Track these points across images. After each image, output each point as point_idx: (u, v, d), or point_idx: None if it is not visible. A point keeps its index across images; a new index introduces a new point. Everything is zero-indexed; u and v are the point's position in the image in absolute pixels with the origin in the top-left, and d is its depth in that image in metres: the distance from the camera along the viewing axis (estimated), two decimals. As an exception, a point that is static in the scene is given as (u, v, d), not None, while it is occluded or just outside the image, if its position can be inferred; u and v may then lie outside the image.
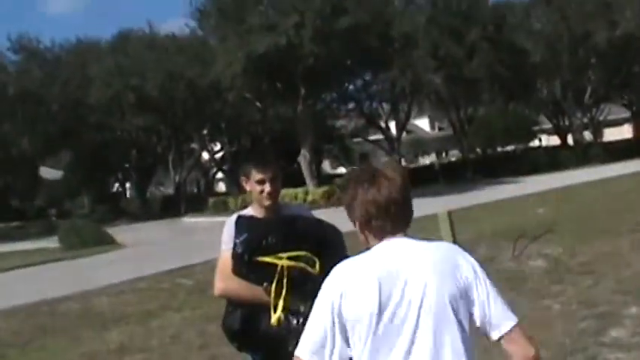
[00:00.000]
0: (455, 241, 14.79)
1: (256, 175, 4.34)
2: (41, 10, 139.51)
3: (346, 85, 52.16)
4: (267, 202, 4.37)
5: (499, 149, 58.40)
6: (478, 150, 59.79)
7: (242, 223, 4.38)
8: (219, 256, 4.39)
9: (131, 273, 18.42)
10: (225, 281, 4.31)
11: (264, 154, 4.83)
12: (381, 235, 2.74)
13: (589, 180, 33.07)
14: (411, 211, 2.78)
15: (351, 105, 57.46)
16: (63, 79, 53.97)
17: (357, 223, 2.78)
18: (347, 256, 3.64)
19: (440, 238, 15.28)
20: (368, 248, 2.77)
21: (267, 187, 4.33)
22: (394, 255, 2.67)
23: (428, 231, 15.37)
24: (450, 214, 16.13)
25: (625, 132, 66.96)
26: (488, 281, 2.69)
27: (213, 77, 42.71)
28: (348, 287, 2.62)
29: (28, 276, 22.49)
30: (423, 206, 22.34)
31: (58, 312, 14.51)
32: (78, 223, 35.07)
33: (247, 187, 4.45)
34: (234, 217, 4.47)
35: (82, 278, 19.31)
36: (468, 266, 2.70)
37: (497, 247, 14.43)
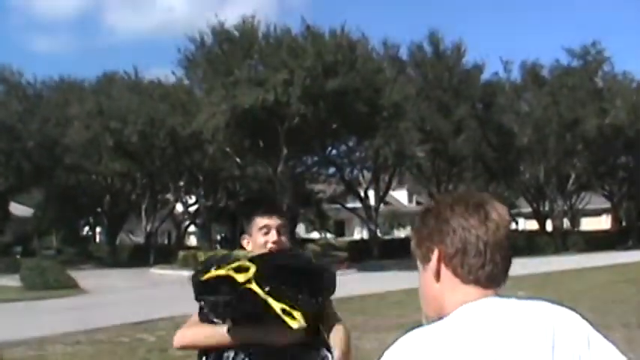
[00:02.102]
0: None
1: (260, 222, 3.59)
2: (26, 47, 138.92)
3: (329, 149, 51.61)
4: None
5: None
6: (455, 228, 59.20)
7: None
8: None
9: (91, 322, 17.41)
10: (183, 329, 3.50)
11: (274, 203, 3.98)
12: (467, 280, 1.84)
13: (570, 268, 32.55)
14: (509, 266, 1.92)
15: (331, 170, 57.03)
16: (42, 116, 53.10)
17: (436, 255, 1.87)
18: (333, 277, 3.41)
19: (420, 314, 14.66)
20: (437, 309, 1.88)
21: (272, 236, 3.55)
22: (493, 331, 1.76)
23: (407, 305, 14.49)
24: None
25: (602, 222, 67.03)
26: None
27: (195, 128, 41.98)
28: None
29: (-19, 314, 21.45)
30: (399, 280, 21.45)
31: (6, 358, 13.52)
32: (42, 263, 34.04)
33: (248, 245, 3.67)
34: None
35: (39, 322, 18.53)
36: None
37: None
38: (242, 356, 3.33)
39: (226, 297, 3.23)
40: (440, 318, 1.83)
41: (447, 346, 1.72)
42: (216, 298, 3.29)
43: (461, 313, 1.80)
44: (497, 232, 1.85)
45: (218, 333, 3.35)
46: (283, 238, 3.59)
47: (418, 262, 1.95)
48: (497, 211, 1.88)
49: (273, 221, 3.59)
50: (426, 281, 1.90)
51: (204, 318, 3.44)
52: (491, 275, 1.85)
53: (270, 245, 3.54)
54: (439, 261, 1.86)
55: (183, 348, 3.57)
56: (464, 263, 1.84)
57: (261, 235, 3.58)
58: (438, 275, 1.87)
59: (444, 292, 1.87)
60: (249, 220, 3.70)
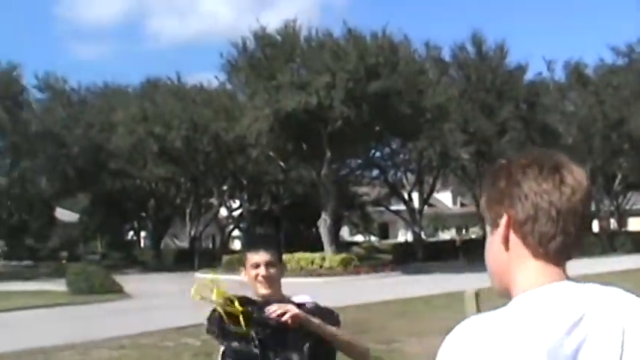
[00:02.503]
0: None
1: (251, 259, 3.94)
2: (72, 55, 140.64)
3: (372, 151, 51.42)
4: (262, 290, 3.90)
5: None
6: (500, 230, 58.82)
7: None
8: None
9: (136, 327, 17.46)
10: None
11: (263, 237, 4.35)
12: (537, 252, 1.70)
13: (620, 269, 31.89)
14: (582, 236, 1.76)
15: (375, 172, 56.91)
16: (86, 121, 53.64)
17: (505, 221, 1.72)
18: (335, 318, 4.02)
19: (465, 318, 14.50)
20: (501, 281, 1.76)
21: (261, 271, 3.89)
22: (559, 324, 1.61)
23: (451, 309, 14.27)
24: (477, 294, 15.18)
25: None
26: None
27: (238, 132, 42.07)
28: None
29: (29, 319, 21.75)
30: (444, 283, 21.39)
31: (52, 362, 13.60)
32: (88, 268, 34.30)
33: (245, 278, 4.03)
34: None
35: (84, 327, 18.61)
36: None
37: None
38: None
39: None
40: (505, 291, 1.73)
41: (508, 337, 1.58)
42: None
43: (527, 301, 1.66)
44: (572, 198, 1.70)
45: None
46: (272, 271, 3.90)
47: (487, 226, 1.81)
48: (574, 174, 1.72)
49: (261, 257, 3.88)
50: (494, 248, 1.76)
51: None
52: (563, 247, 1.70)
53: (260, 278, 3.87)
54: (508, 227, 1.72)
55: None
56: (534, 231, 1.69)
57: (252, 270, 3.90)
58: (506, 242, 1.72)
59: (512, 266, 1.72)
60: (243, 253, 4.11)
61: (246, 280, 3.99)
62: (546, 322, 1.59)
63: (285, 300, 3.92)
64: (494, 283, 1.79)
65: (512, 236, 1.72)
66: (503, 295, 1.75)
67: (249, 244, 4.15)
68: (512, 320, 1.61)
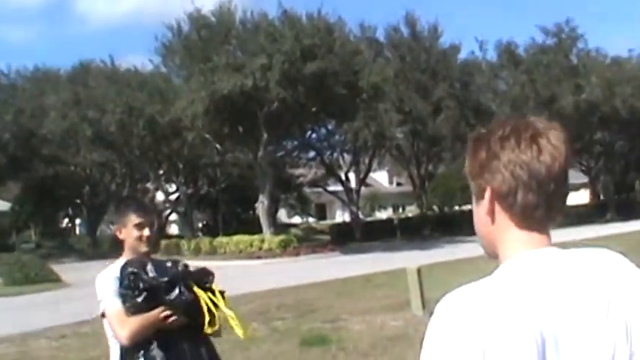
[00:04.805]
0: (423, 300, 14.09)
1: (135, 219, 4.26)
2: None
3: (309, 133, 51.41)
4: (144, 248, 4.27)
5: (457, 208, 58.05)
6: (435, 207, 59.45)
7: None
8: (105, 311, 4.25)
9: (75, 315, 17.14)
10: (124, 326, 4.07)
11: (143, 202, 4.60)
12: (522, 222, 1.72)
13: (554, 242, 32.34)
14: (566, 202, 1.79)
15: (311, 154, 56.91)
16: (17, 107, 52.39)
17: (489, 194, 1.74)
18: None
19: (407, 295, 14.54)
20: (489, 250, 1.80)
21: (146, 232, 4.26)
22: (554, 284, 1.64)
23: (392, 287, 14.35)
24: (419, 270, 15.28)
25: (580, 197, 67.50)
26: None
27: (173, 115, 41.62)
28: (492, 344, 1.55)
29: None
30: (383, 261, 21.42)
31: (-11, 355, 13.32)
32: (22, 257, 33.68)
33: (122, 235, 4.35)
34: (113, 271, 4.29)
35: (21, 317, 18.30)
36: None
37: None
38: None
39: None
40: (495, 255, 1.77)
41: (497, 304, 1.58)
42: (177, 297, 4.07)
43: (513, 266, 1.68)
44: (552, 167, 1.71)
45: (157, 319, 4.04)
46: (153, 232, 4.33)
47: (473, 196, 1.83)
48: (552, 142, 1.73)
49: (147, 218, 4.28)
50: (480, 219, 1.80)
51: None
52: (546, 215, 1.73)
53: (144, 238, 4.25)
54: (492, 201, 1.74)
55: (133, 340, 4.06)
56: (516, 203, 1.71)
57: (136, 231, 4.25)
58: (492, 214, 1.75)
59: (498, 236, 1.76)
60: (124, 213, 4.35)
61: (121, 237, 4.34)
62: (535, 288, 1.61)
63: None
64: (484, 247, 1.82)
65: (497, 207, 1.74)
66: (494, 257, 1.78)
67: (136, 207, 4.41)
68: (500, 288, 1.62)
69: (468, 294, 1.63)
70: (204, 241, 44.24)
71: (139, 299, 4.04)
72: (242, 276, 29.75)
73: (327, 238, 51.92)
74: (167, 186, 59.39)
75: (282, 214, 69.83)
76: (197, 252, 42.38)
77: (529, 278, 1.64)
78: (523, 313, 1.57)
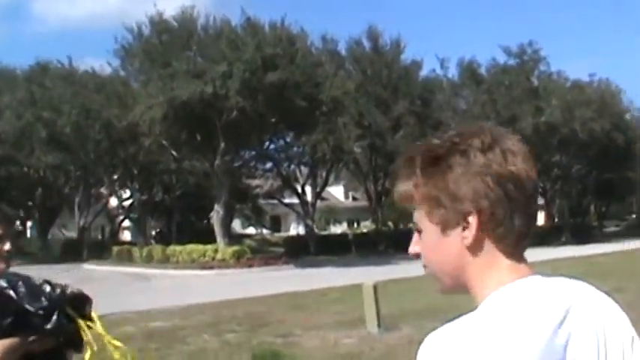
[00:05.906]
0: (379, 317, 13.83)
1: None
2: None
3: (267, 144, 51.11)
4: (1, 265, 3.45)
5: (412, 224, 58.26)
6: (390, 223, 59.49)
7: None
8: None
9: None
10: None
11: (5, 209, 3.76)
12: (513, 249, 1.46)
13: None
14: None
15: (268, 165, 56.64)
16: (-30, 105, 51.47)
17: (476, 221, 1.43)
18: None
19: (362, 312, 14.28)
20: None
21: (7, 246, 3.47)
22: (550, 313, 1.41)
23: (347, 302, 14.03)
24: (375, 286, 14.99)
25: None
26: None
27: (131, 120, 41.13)
28: None
29: None
30: (337, 276, 21.09)
31: None
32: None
33: None
34: None
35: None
36: None
37: (421, 326, 13.16)
38: None
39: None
40: (461, 288, 1.50)
41: (495, 339, 1.34)
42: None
43: (504, 299, 1.41)
44: (537, 183, 1.50)
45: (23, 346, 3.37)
46: (10, 245, 3.49)
47: (428, 227, 1.52)
48: (515, 153, 1.46)
49: (6, 230, 3.50)
50: (449, 253, 1.48)
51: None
52: (520, 238, 1.46)
53: (3, 253, 3.43)
54: (479, 229, 1.43)
55: None
56: (513, 228, 1.43)
57: None
58: (478, 246, 1.45)
59: (478, 270, 1.46)
60: None
61: None
62: (532, 320, 1.37)
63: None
64: (443, 281, 1.53)
65: (481, 235, 1.44)
66: (453, 290, 1.52)
67: None
68: (494, 321, 1.37)
69: (456, 332, 1.36)
70: (157, 249, 43.69)
71: (5, 322, 3.40)
72: (194, 286, 29.38)
73: (281, 250, 51.64)
74: (121, 191, 58.81)
75: (237, 225, 69.45)
76: (149, 260, 41.86)
77: (527, 310, 1.39)
78: (526, 348, 1.34)
